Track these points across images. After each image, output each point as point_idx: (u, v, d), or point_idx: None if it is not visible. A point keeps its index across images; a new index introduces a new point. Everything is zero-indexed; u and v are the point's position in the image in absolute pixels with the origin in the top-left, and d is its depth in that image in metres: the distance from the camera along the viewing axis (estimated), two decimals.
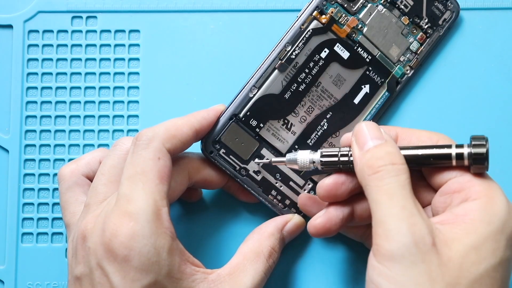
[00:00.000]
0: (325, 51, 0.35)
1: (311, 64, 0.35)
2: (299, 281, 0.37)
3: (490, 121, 0.37)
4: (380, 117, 0.37)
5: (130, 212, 0.28)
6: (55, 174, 0.38)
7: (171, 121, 0.32)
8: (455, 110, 0.38)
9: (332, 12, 0.36)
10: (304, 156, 0.32)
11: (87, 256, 0.29)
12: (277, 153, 0.35)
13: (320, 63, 0.35)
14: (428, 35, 0.37)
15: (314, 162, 0.32)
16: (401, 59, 0.37)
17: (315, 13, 0.35)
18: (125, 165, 0.30)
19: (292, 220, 0.35)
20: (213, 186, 0.35)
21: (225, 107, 0.35)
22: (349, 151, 0.31)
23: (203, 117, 0.33)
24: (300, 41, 0.35)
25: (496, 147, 0.37)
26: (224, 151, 0.34)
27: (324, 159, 0.31)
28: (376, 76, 0.36)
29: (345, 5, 0.36)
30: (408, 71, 0.37)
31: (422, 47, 0.37)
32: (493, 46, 0.38)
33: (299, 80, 0.35)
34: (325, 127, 0.36)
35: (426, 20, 0.37)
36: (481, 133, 0.37)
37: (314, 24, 0.35)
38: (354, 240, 0.35)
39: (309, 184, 0.36)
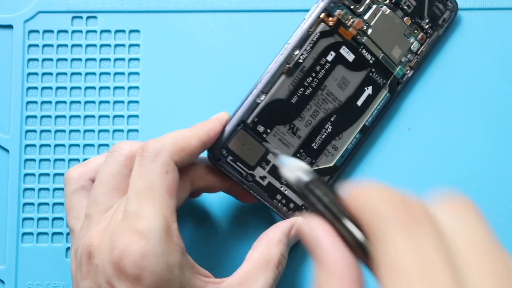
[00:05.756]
0: (331, 54, 0.35)
1: (318, 68, 0.35)
2: (303, 282, 0.37)
3: (490, 121, 0.37)
4: (381, 118, 0.37)
5: (140, 230, 0.28)
6: (55, 174, 0.38)
7: (179, 133, 0.31)
8: (454, 110, 0.38)
9: (339, 14, 0.35)
10: (289, 171, 0.23)
11: (94, 273, 0.28)
12: None
13: (326, 66, 0.35)
14: (428, 35, 0.37)
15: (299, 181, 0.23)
16: (402, 59, 0.37)
17: (322, 15, 0.35)
18: (132, 178, 0.29)
19: (297, 223, 0.34)
20: (215, 191, 0.35)
21: (229, 115, 0.34)
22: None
23: (210, 129, 0.32)
24: (307, 45, 0.34)
25: (496, 147, 0.37)
26: (232, 158, 0.34)
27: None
28: (378, 77, 0.36)
29: (352, 7, 0.35)
30: (408, 72, 0.37)
31: (422, 47, 0.37)
32: (493, 46, 0.38)
33: (306, 84, 0.35)
34: (329, 130, 0.35)
35: (427, 20, 0.37)
36: (481, 133, 0.37)
37: (322, 27, 0.35)
38: None
39: None
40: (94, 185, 0.31)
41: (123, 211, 0.29)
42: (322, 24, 0.35)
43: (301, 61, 0.34)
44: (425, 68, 0.38)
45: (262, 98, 0.34)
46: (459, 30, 0.38)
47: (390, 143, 0.37)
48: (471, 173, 0.37)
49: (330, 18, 0.35)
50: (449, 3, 0.37)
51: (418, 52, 0.37)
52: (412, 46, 0.37)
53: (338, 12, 0.35)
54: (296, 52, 0.34)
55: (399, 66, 0.37)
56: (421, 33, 0.37)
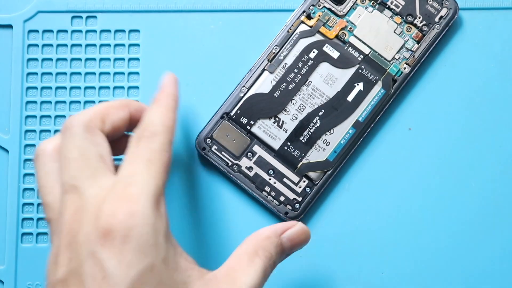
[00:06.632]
0: (313, 52, 0.37)
1: (300, 64, 0.37)
2: (298, 280, 0.37)
3: (490, 121, 0.37)
4: (379, 116, 0.37)
5: (130, 194, 0.27)
6: None
7: (167, 117, 0.31)
8: (454, 111, 0.38)
9: (319, 15, 0.37)
10: None
11: (74, 252, 0.27)
12: (269, 149, 0.36)
13: (309, 63, 0.37)
14: (424, 32, 0.37)
15: None
16: (396, 57, 0.37)
17: (302, 17, 0.37)
18: (128, 154, 0.30)
19: (294, 227, 0.32)
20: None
21: (173, 74, 0.33)
22: None
23: (177, 102, 0.32)
24: (288, 43, 0.37)
25: (496, 148, 0.37)
26: (216, 148, 0.36)
27: None
28: (369, 74, 0.37)
29: (333, 9, 0.37)
30: (405, 69, 0.37)
31: (419, 44, 0.37)
32: (493, 46, 0.38)
33: (289, 79, 0.36)
34: (318, 125, 0.36)
35: (421, 19, 0.37)
36: (481, 133, 0.37)
37: (301, 27, 0.37)
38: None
39: (304, 181, 0.36)
40: (39, 192, 0.31)
41: (110, 183, 0.29)
42: (302, 25, 0.37)
43: (281, 58, 0.36)
44: (426, 68, 0.38)
45: (245, 92, 0.36)
46: (460, 30, 0.38)
47: (390, 142, 0.37)
48: (471, 173, 0.37)
49: (310, 20, 0.37)
50: (446, 1, 0.37)
51: (415, 50, 0.37)
52: (406, 44, 0.37)
53: (318, 13, 0.37)
54: (277, 50, 0.36)
55: (393, 63, 0.37)
56: (416, 31, 0.37)
